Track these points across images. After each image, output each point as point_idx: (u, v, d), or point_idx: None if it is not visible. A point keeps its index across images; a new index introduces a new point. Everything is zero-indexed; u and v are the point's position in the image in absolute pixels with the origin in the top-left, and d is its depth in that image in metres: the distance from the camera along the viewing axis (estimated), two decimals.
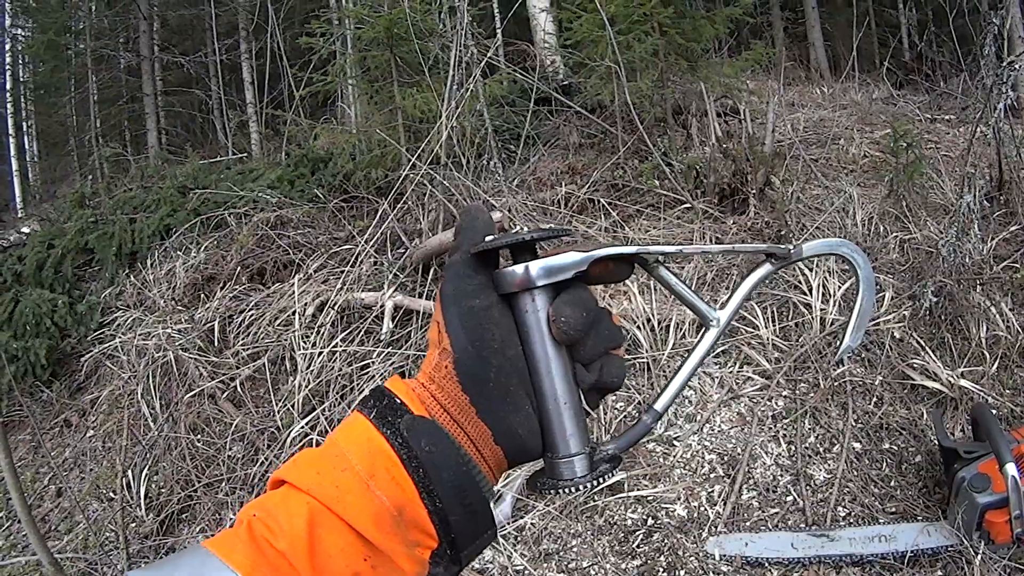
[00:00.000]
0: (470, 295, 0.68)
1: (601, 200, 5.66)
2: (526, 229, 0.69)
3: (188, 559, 0.59)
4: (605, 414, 4.14)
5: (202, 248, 6.45)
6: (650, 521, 3.61)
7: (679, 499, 3.70)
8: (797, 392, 4.15)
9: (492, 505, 0.67)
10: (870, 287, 0.78)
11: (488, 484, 0.66)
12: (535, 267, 0.68)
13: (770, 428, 4.00)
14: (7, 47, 18.73)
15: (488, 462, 0.67)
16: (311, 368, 4.71)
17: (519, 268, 0.68)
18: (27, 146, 19.80)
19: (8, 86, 18.92)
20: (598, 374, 0.70)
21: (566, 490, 0.69)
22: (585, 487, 0.69)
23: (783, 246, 0.74)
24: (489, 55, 6.45)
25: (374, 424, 0.65)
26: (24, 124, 19.68)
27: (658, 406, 0.73)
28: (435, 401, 0.67)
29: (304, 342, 4.90)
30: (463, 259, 0.70)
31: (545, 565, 3.48)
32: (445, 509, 0.63)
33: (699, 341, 0.74)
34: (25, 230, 8.90)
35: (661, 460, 3.92)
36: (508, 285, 0.69)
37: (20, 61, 19.41)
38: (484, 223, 0.72)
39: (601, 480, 0.70)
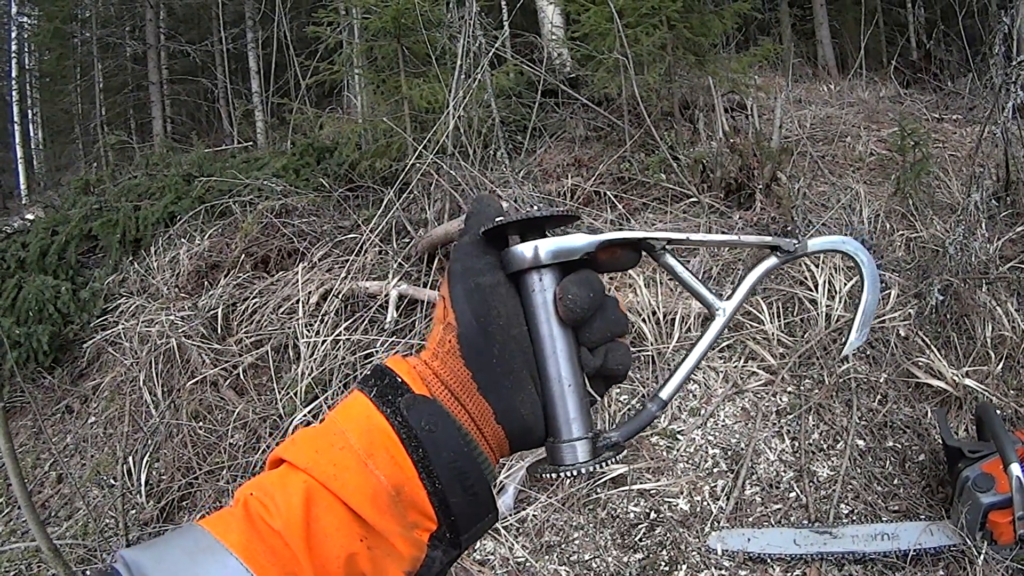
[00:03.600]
0: (477, 272, 0.68)
1: (607, 193, 5.65)
2: (536, 208, 0.69)
3: (182, 538, 0.59)
4: (609, 407, 4.13)
5: (206, 236, 6.45)
6: (652, 515, 3.60)
7: (682, 493, 3.69)
8: (801, 388, 4.14)
9: (493, 490, 0.66)
10: (874, 284, 0.77)
11: (490, 466, 0.66)
12: (544, 246, 0.68)
13: (774, 424, 3.99)
14: (13, 35, 18.75)
15: (489, 442, 0.67)
16: (314, 356, 4.70)
17: (527, 247, 0.68)
18: (32, 134, 19.82)
19: (14, 74, 18.94)
20: (603, 359, 0.69)
21: (567, 474, 0.68)
22: (586, 472, 0.69)
23: (788, 240, 0.74)
24: (496, 46, 6.43)
25: (374, 403, 0.64)
26: (29, 112, 19.71)
27: (663, 395, 0.72)
28: (436, 378, 0.66)
29: (308, 330, 4.89)
30: (472, 239, 0.70)
31: (547, 557, 3.48)
32: (445, 490, 0.62)
33: (705, 330, 0.74)
34: (29, 217, 8.92)
35: (664, 454, 3.91)
36: (516, 264, 0.69)
37: (26, 49, 19.43)
38: (495, 209, 0.72)
39: (603, 466, 0.69)
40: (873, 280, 0.77)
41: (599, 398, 0.72)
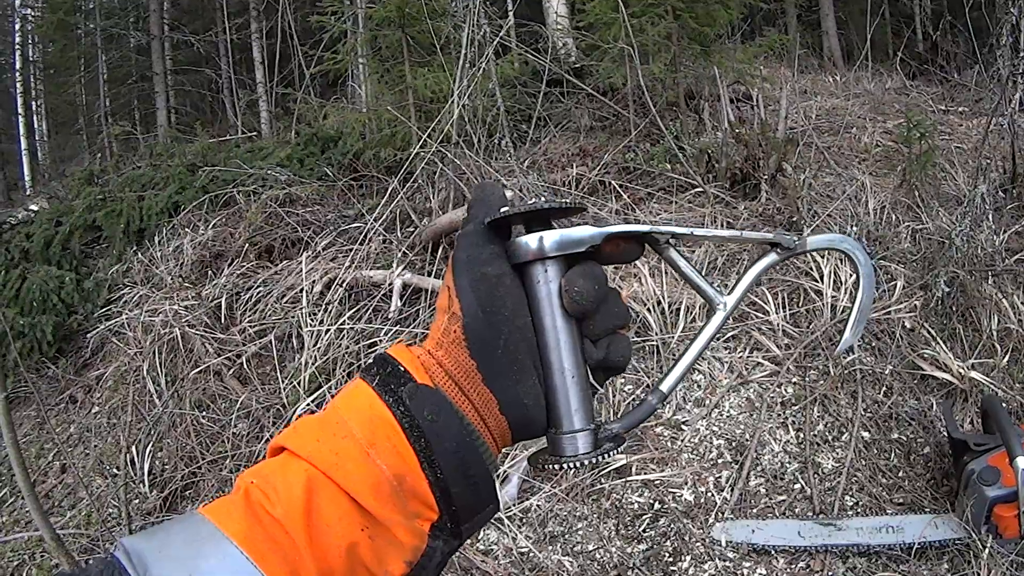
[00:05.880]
0: (483, 262, 0.67)
1: (612, 182, 5.63)
2: (543, 199, 0.69)
3: (183, 525, 0.59)
4: (613, 397, 4.13)
5: (210, 225, 6.46)
6: (657, 505, 3.60)
7: (686, 484, 3.68)
8: (807, 379, 4.12)
9: (495, 480, 0.66)
10: (870, 283, 0.79)
11: (491, 456, 0.65)
12: (549, 238, 0.68)
13: (779, 415, 3.98)
14: (17, 27, 18.74)
15: (492, 433, 0.66)
16: (318, 346, 4.71)
17: (533, 238, 0.68)
18: (36, 125, 19.80)
19: (18, 66, 18.93)
20: (605, 351, 0.69)
21: (568, 466, 0.68)
22: (587, 463, 0.68)
23: (788, 236, 0.75)
24: (501, 35, 6.42)
25: (376, 391, 0.64)
26: (33, 103, 19.68)
27: (664, 387, 0.72)
28: (440, 368, 0.65)
29: (311, 320, 4.90)
30: (477, 229, 0.69)
31: (550, 548, 3.48)
32: (446, 480, 0.62)
33: (706, 324, 0.74)
34: (33, 207, 8.92)
35: (669, 444, 3.90)
36: (521, 255, 0.68)
37: (30, 41, 19.41)
38: (498, 198, 0.71)
39: (603, 458, 0.69)
40: (868, 279, 0.78)
41: (600, 388, 0.72)
